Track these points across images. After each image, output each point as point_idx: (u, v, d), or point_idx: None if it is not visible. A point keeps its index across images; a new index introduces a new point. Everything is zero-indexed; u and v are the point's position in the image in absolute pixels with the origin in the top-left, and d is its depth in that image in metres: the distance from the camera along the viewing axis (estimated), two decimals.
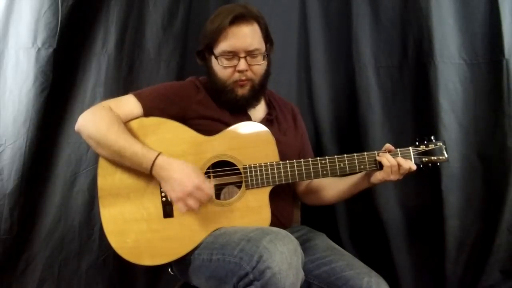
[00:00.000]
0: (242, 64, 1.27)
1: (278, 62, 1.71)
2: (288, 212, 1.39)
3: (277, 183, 1.25)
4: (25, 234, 1.78)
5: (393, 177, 1.26)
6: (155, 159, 1.17)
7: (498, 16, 1.75)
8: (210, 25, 1.29)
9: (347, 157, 1.28)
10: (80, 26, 1.78)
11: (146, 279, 1.87)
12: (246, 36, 1.26)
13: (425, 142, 1.32)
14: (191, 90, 1.35)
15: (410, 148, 1.31)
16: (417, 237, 1.88)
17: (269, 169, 1.25)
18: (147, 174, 1.19)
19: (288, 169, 1.26)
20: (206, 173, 1.24)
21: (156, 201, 1.23)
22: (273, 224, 1.23)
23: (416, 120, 1.88)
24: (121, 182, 1.23)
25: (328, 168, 1.28)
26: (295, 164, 1.26)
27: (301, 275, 1.06)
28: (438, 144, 1.32)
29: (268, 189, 1.25)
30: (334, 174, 1.29)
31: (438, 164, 1.32)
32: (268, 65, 1.36)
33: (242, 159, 1.25)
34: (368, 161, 1.28)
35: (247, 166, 1.25)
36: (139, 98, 1.29)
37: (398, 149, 1.30)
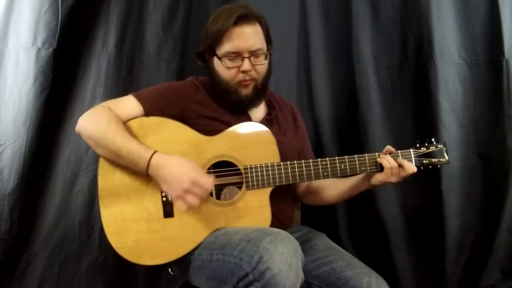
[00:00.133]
0: (246, 65, 1.27)
1: (278, 62, 1.71)
2: (288, 212, 1.39)
3: (277, 184, 1.25)
4: (25, 234, 1.78)
5: (394, 179, 1.27)
6: (150, 158, 1.15)
7: (498, 16, 1.75)
8: (211, 26, 1.27)
9: (348, 158, 1.28)
10: (80, 26, 1.78)
11: (146, 279, 1.87)
12: (250, 36, 1.26)
13: (426, 144, 1.32)
14: (191, 90, 1.35)
15: (411, 150, 1.31)
16: (417, 237, 1.88)
17: (270, 170, 1.25)
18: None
19: (289, 170, 1.26)
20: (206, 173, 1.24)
21: (156, 200, 1.23)
22: (273, 224, 1.23)
23: (416, 120, 1.87)
24: (121, 182, 1.22)
25: (329, 169, 1.28)
26: (296, 165, 1.26)
27: (301, 276, 1.06)
28: (439, 146, 1.32)
29: (268, 190, 1.25)
30: (334, 175, 1.29)
31: (439, 166, 1.32)
32: (270, 64, 1.35)
33: (243, 160, 1.25)
34: (368, 162, 1.29)
35: (248, 166, 1.25)
36: (139, 98, 1.28)
37: (398, 151, 1.30)
